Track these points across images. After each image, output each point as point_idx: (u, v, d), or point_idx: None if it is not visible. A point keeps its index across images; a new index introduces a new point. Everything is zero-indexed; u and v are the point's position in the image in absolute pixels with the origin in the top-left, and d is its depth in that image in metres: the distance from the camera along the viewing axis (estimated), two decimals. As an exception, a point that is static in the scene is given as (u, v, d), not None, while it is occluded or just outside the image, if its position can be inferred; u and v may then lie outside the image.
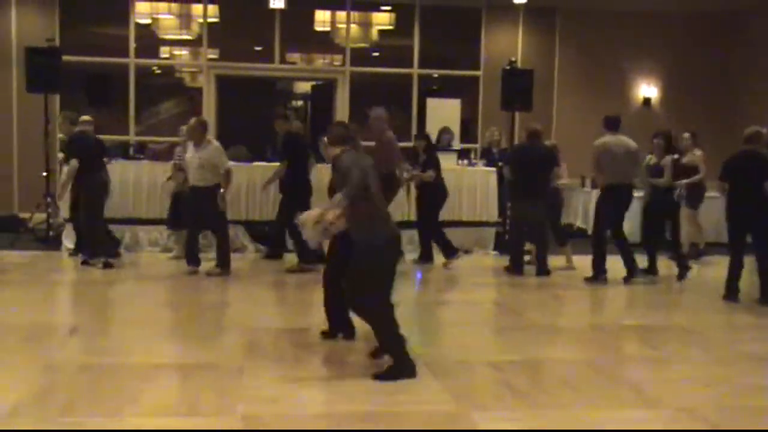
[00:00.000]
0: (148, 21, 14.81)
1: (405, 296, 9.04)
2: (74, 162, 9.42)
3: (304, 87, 16.79)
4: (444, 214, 10.70)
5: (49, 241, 11.20)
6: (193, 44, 14.97)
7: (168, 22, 15.36)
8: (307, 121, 16.58)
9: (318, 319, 6.62)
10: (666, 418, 4.90)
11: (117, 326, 7.11)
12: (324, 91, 15.32)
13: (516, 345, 6.72)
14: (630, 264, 9.45)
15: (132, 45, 14.07)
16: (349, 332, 6.42)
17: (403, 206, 10.99)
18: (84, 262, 9.62)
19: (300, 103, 17.35)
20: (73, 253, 10.31)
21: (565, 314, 8.35)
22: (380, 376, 5.40)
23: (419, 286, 9.55)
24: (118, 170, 10.99)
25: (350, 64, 14.69)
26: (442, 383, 5.44)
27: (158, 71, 15.69)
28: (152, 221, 11.14)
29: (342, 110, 14.62)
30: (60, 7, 13.80)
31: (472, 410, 4.89)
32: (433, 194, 10.36)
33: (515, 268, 9.91)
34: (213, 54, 14.99)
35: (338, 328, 6.42)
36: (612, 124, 9.47)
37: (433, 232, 10.39)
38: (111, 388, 5.13)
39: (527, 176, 9.76)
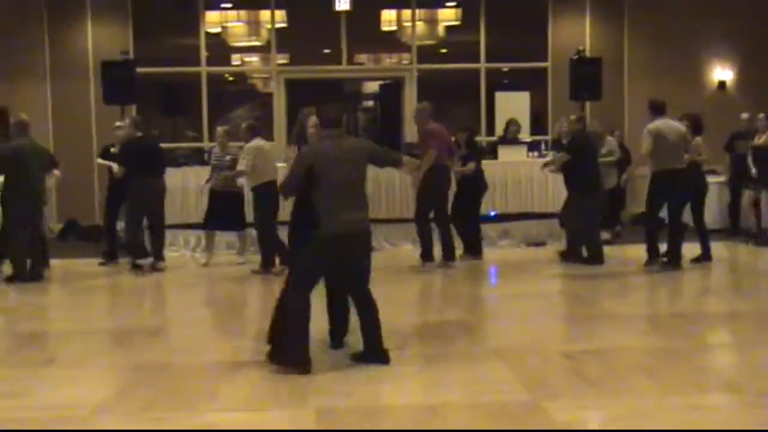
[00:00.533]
0: (218, 30, 15.08)
1: (480, 289, 9.09)
2: (117, 167, 9.68)
3: (372, 87, 16.88)
4: (515, 207, 10.64)
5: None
6: (263, 50, 15.18)
7: (237, 29, 15.63)
8: (377, 120, 16.71)
9: (393, 314, 6.66)
10: (746, 403, 4.81)
11: (193, 326, 7.27)
12: (392, 90, 15.39)
13: (589, 334, 6.68)
14: (674, 251, 9.25)
15: (203, 54, 14.33)
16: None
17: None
18: (134, 267, 9.66)
19: (370, 103, 17.46)
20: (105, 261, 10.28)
21: (639, 302, 8.24)
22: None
23: (493, 279, 9.55)
24: (193, 176, 11.27)
25: (417, 62, 14.72)
26: (515, 373, 5.44)
27: (231, 78, 15.95)
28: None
29: (410, 108, 14.64)
30: (133, 20, 14.13)
31: (545, 399, 4.87)
32: (473, 187, 10.31)
33: (592, 258, 9.73)
34: (282, 59, 15.19)
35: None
36: (659, 109, 9.34)
37: (472, 226, 10.33)
38: (189, 385, 5.29)
39: (591, 166, 9.79)
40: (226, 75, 15.68)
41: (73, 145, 13.52)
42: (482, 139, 13.77)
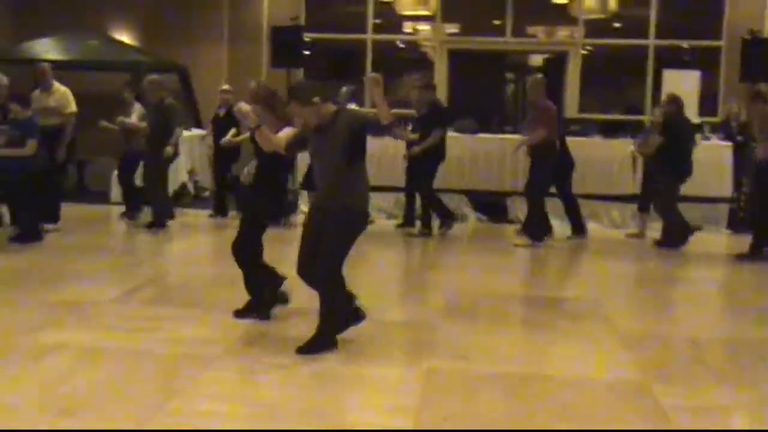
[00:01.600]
0: None
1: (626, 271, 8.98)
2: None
3: (536, 60, 16.70)
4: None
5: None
6: (430, 19, 15.31)
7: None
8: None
9: (516, 284, 6.77)
10: None
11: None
12: (556, 65, 15.21)
13: (721, 323, 6.54)
14: None
15: (370, 22, 14.67)
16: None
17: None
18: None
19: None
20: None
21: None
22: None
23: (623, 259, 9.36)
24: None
25: (585, 36, 14.47)
26: (633, 354, 5.45)
27: (402, 46, 16.17)
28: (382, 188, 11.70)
29: (573, 84, 14.47)
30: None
31: (656, 382, 4.87)
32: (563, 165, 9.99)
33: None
34: (452, 28, 15.31)
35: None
36: None
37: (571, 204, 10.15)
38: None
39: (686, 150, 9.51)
40: (397, 42, 15.85)
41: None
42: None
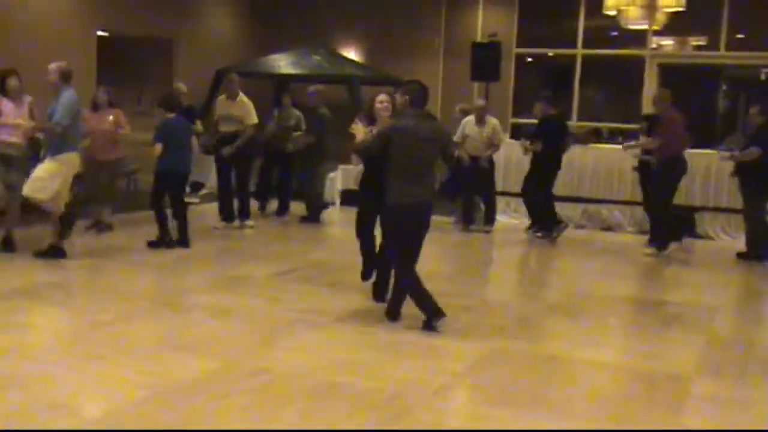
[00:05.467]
0: (613, 13, 15.56)
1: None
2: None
3: (756, 75, 16.20)
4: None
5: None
6: (662, 33, 15.27)
7: (632, 12, 16.00)
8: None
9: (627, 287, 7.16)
10: None
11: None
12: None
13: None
14: None
15: (580, 36, 15.09)
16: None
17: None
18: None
19: None
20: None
21: None
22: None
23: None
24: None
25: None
26: (696, 350, 5.85)
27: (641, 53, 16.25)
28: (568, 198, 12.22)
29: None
30: (519, 4, 15.38)
31: (700, 377, 5.26)
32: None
33: None
34: (666, 41, 15.33)
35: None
36: None
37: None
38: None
39: None
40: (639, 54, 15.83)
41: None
42: None
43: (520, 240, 10.69)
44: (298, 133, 11.27)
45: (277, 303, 6.67)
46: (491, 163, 11.12)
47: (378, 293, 6.70)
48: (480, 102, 11.56)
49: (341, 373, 4.99)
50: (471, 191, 11.17)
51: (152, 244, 8.64)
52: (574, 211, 11.98)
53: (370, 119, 6.63)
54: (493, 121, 11.14)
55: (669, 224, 9.78)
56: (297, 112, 11.51)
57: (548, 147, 10.55)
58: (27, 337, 5.60)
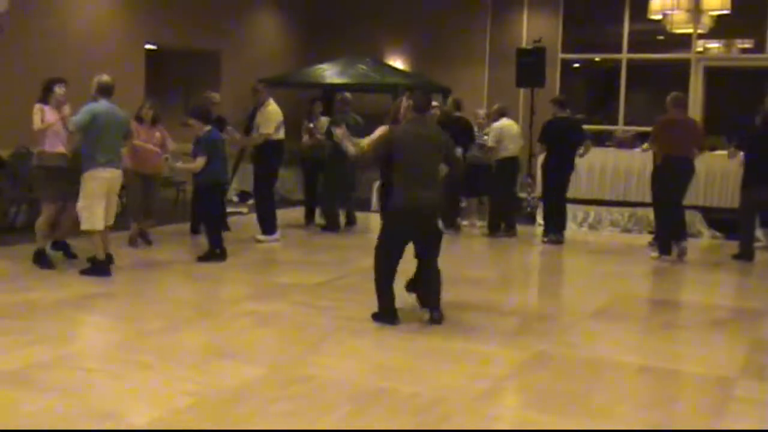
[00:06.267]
0: (659, 17, 15.42)
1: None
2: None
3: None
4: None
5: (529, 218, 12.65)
6: (705, 37, 15.11)
7: (679, 16, 15.84)
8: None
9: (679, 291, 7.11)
10: None
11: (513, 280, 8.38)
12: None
13: None
14: None
15: (625, 41, 14.98)
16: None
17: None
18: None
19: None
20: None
21: None
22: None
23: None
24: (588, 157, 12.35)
25: None
26: (734, 353, 5.83)
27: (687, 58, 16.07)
28: (614, 203, 12.21)
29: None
30: (564, 9, 15.32)
31: (743, 378, 5.23)
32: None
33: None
34: (711, 44, 15.15)
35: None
36: None
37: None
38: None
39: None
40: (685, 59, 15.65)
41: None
42: None
43: (547, 246, 10.71)
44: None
45: (320, 310, 6.73)
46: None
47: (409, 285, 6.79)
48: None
49: (384, 379, 5.03)
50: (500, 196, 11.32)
51: (202, 258, 8.62)
52: (621, 215, 11.97)
53: (397, 123, 6.68)
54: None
55: (666, 228, 9.70)
56: (325, 119, 11.45)
57: (554, 150, 10.69)
58: (73, 346, 5.74)
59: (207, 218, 8.95)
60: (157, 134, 9.33)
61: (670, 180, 9.52)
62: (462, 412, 4.50)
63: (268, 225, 10.03)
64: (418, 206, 6.08)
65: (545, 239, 10.78)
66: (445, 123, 9.54)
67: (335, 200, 11.24)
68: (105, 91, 7.68)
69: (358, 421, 4.32)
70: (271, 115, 9.90)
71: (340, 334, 6.03)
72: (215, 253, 8.65)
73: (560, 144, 10.62)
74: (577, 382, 5.09)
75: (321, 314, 6.60)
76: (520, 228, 11.36)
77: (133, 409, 4.46)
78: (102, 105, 7.62)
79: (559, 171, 10.70)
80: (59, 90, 7.81)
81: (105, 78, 7.74)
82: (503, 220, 11.22)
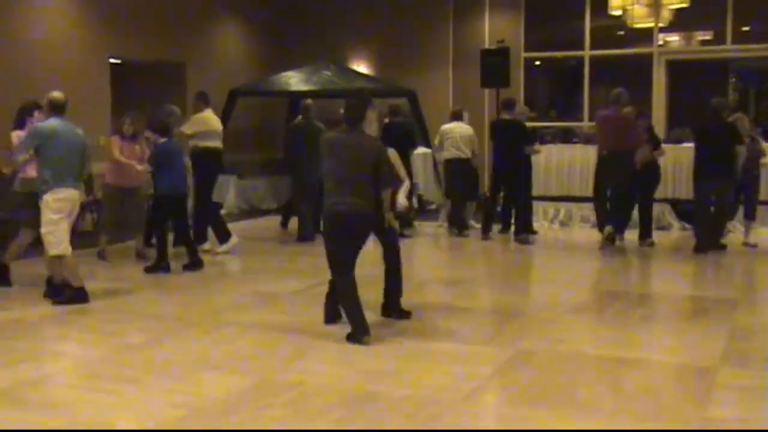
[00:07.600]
0: (619, 12, 15.58)
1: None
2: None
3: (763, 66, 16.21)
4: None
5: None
6: (667, 31, 15.32)
7: (639, 11, 16.03)
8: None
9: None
10: None
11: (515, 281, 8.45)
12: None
13: None
14: None
15: (587, 37, 15.14)
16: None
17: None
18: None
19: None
20: None
21: None
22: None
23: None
24: (555, 152, 12.54)
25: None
26: (724, 342, 5.88)
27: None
28: (584, 199, 12.32)
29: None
30: (525, 9, 15.44)
31: (728, 366, 5.32)
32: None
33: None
34: (672, 38, 15.37)
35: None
36: None
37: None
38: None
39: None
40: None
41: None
42: None
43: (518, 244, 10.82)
44: None
45: (301, 318, 6.74)
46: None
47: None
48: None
49: (372, 382, 5.06)
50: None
51: (149, 270, 8.66)
52: (591, 211, 12.03)
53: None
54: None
55: (602, 213, 10.35)
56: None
57: (496, 149, 11.20)
58: (58, 363, 5.72)
59: (157, 228, 8.96)
60: (137, 147, 9.32)
61: (604, 171, 10.18)
62: (452, 412, 4.55)
63: (220, 233, 10.04)
64: (335, 212, 6.00)
65: (516, 238, 10.90)
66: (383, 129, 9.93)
67: (306, 209, 11.13)
68: (56, 108, 7.21)
69: (352, 424, 4.36)
70: (195, 119, 10.21)
71: (323, 341, 6.04)
72: (161, 265, 8.68)
73: (501, 143, 11.12)
74: (562, 377, 5.17)
75: (302, 322, 6.60)
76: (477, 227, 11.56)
77: (125, 422, 4.45)
78: (51, 123, 7.17)
79: (501, 170, 11.09)
80: (39, 116, 7.56)
81: (55, 94, 7.26)
82: (455, 221, 11.57)
